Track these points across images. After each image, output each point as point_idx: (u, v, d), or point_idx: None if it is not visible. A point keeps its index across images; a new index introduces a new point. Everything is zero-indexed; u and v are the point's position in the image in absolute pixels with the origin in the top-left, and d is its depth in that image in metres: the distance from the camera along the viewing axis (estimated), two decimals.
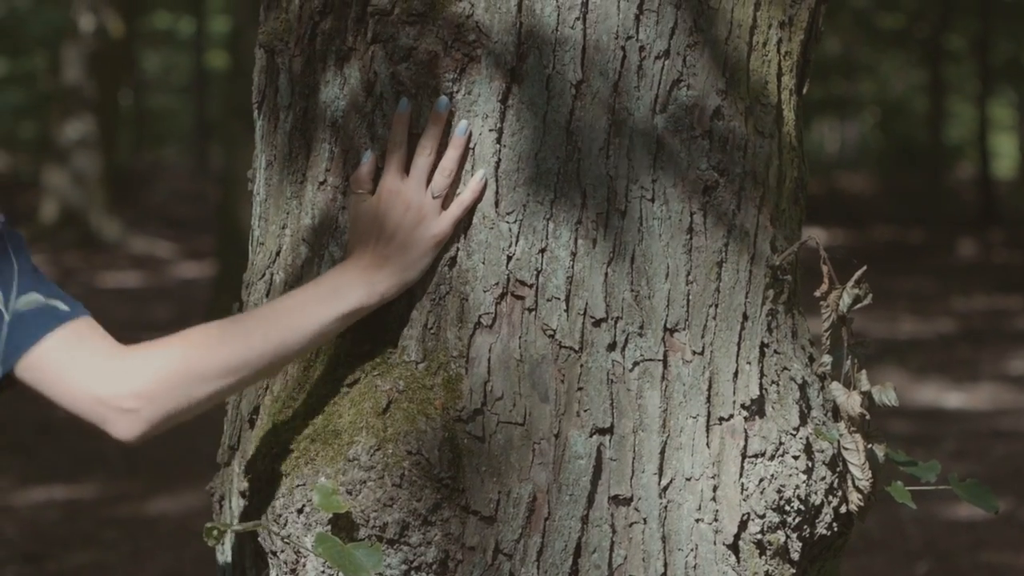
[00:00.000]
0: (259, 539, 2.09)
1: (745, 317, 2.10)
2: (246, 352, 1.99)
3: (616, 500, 2.03)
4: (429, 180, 2.05)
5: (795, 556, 2.10)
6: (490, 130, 2.04)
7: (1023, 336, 13.74)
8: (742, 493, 2.06)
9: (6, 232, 1.98)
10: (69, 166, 17.64)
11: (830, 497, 2.12)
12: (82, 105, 17.70)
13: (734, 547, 2.06)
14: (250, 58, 2.41)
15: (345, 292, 2.03)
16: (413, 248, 2.04)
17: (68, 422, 9.86)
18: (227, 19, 23.71)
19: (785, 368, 2.13)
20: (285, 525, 2.04)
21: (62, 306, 1.97)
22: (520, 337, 2.03)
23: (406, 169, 2.05)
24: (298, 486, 2.03)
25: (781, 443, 2.08)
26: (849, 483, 2.14)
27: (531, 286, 2.04)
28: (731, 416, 2.07)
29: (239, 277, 2.31)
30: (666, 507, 2.05)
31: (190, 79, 30.19)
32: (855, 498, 2.14)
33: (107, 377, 1.96)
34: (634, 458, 2.04)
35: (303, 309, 2.03)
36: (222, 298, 11.11)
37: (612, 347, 2.04)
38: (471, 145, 2.04)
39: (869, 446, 2.15)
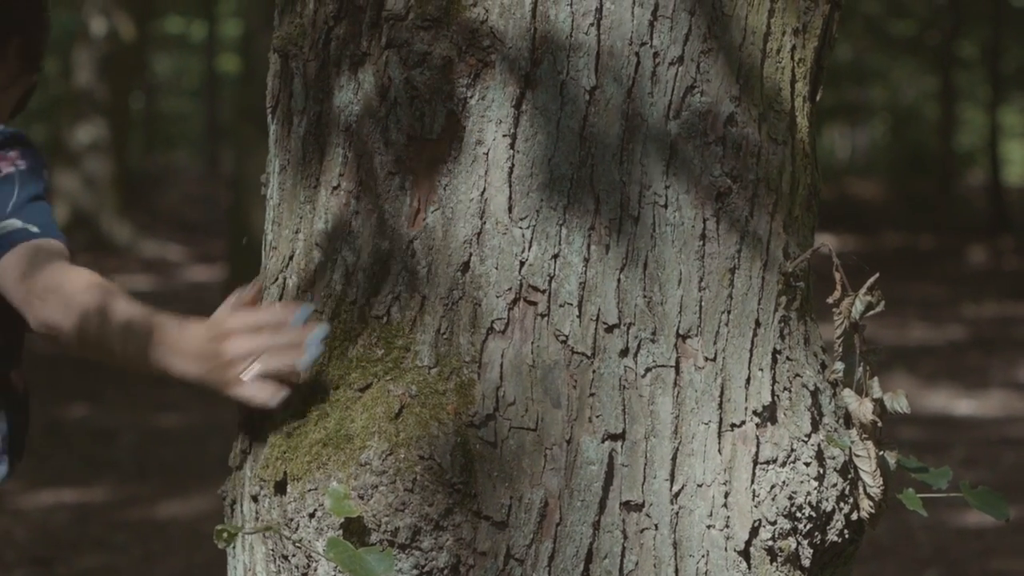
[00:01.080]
0: (270, 543, 2.09)
1: (757, 324, 2.10)
2: (67, 322, 2.20)
3: (628, 506, 2.03)
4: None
5: (806, 563, 2.10)
6: (504, 135, 2.04)
7: None
8: (753, 499, 2.06)
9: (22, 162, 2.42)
10: (80, 169, 17.65)
11: (841, 504, 2.12)
12: (93, 108, 17.71)
13: (745, 553, 2.06)
14: (262, 62, 2.42)
15: (169, 355, 2.11)
16: (225, 371, 2.08)
17: (78, 425, 9.88)
18: (239, 23, 23.72)
19: (797, 375, 2.13)
20: (297, 529, 2.04)
21: (34, 229, 2.33)
22: (532, 343, 2.03)
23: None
24: (310, 490, 2.03)
25: (793, 450, 2.08)
26: (860, 490, 2.14)
27: (544, 292, 2.04)
28: (743, 422, 2.07)
29: (250, 281, 2.31)
30: (677, 513, 2.05)
31: (202, 83, 30.25)
32: (866, 505, 2.14)
33: (28, 276, 2.27)
34: (646, 464, 2.04)
35: (132, 340, 2.15)
36: None
37: (624, 353, 2.04)
38: (485, 151, 2.04)
39: (881, 453, 2.15)
